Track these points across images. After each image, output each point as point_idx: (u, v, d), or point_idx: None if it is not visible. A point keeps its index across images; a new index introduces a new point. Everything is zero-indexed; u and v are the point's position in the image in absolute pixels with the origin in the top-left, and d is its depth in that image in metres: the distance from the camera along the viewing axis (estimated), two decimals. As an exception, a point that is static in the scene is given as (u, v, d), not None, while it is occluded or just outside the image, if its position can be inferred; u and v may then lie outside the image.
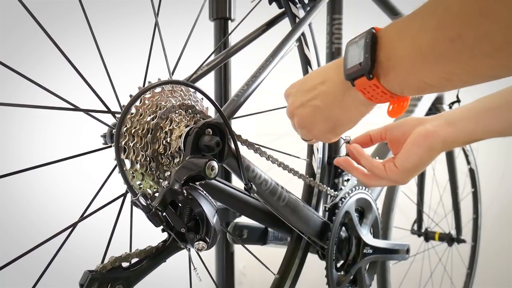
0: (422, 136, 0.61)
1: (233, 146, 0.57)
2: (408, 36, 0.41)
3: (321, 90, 0.55)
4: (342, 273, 0.82)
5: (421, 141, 0.61)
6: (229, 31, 0.94)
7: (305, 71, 0.82)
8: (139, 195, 0.45)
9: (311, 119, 0.57)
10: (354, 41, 0.48)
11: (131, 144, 0.51)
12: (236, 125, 0.77)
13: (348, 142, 0.86)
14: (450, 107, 1.29)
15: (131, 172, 0.52)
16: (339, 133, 0.59)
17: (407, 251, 0.91)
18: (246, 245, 0.72)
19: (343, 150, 0.91)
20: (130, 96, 0.50)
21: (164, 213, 0.47)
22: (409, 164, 0.62)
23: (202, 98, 0.58)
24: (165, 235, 0.51)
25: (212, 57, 0.81)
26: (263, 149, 0.64)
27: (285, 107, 0.83)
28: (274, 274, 0.75)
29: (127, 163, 0.52)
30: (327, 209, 0.81)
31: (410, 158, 0.62)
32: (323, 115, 0.56)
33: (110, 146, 0.60)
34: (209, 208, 0.48)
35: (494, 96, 0.60)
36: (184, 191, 0.47)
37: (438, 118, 0.62)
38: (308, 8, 0.80)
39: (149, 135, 0.53)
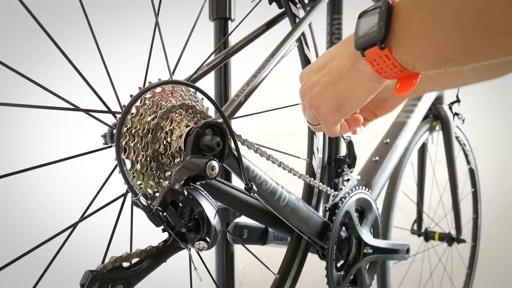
0: None
1: (233, 146, 0.57)
2: (428, 7, 0.40)
3: (330, 66, 0.55)
4: (342, 273, 0.82)
5: None
6: (229, 31, 0.94)
7: (305, 71, 0.82)
8: (139, 195, 0.45)
9: (319, 96, 0.56)
10: (367, 11, 0.47)
11: (132, 144, 0.51)
12: (236, 125, 0.77)
13: (349, 142, 0.86)
14: (450, 107, 1.28)
15: (131, 172, 0.52)
16: (344, 113, 0.57)
17: (407, 251, 0.91)
18: (246, 245, 0.72)
19: (343, 150, 0.91)
20: (131, 96, 0.50)
21: (165, 213, 0.47)
22: None
23: (203, 98, 0.58)
24: (165, 235, 0.51)
25: (212, 57, 0.81)
26: (263, 149, 0.64)
27: (285, 107, 0.84)
28: (274, 274, 0.75)
29: (128, 163, 0.52)
30: (327, 209, 0.81)
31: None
32: (330, 91, 0.55)
33: (111, 146, 0.60)
34: (209, 208, 0.48)
35: None
36: (185, 191, 0.47)
37: None
38: (308, 8, 0.80)
39: (149, 135, 0.53)
